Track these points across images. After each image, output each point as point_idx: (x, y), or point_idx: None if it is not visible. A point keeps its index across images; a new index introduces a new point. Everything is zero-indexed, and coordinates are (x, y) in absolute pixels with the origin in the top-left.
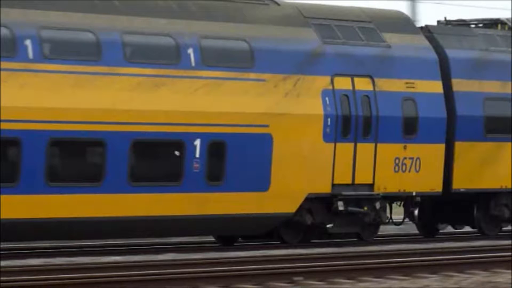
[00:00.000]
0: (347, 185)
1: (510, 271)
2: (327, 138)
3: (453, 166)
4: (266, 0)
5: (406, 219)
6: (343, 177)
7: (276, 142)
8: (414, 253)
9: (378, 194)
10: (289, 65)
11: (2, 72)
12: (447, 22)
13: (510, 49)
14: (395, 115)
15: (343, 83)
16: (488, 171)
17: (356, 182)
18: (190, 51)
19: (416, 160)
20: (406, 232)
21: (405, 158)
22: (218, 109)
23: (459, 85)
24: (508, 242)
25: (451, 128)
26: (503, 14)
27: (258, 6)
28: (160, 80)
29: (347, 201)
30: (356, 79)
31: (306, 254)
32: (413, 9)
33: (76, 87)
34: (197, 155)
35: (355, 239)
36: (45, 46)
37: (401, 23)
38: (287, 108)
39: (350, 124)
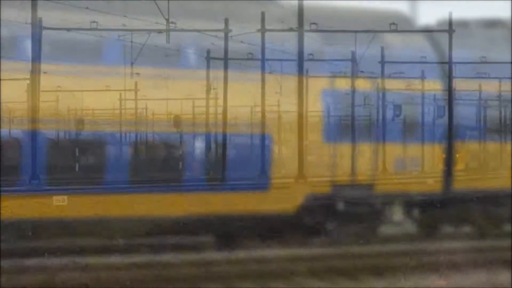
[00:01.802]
0: (347, 185)
1: (510, 271)
2: (327, 138)
3: (453, 166)
4: (266, 0)
5: (406, 219)
6: (343, 177)
7: (276, 142)
8: (414, 253)
9: (378, 194)
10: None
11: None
12: (447, 22)
13: (510, 49)
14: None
15: (343, 83)
16: (488, 171)
17: (356, 182)
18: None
19: (416, 160)
20: (406, 232)
21: (405, 158)
22: (218, 109)
23: (459, 85)
24: (508, 242)
25: (451, 128)
26: (503, 14)
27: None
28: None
29: (347, 201)
30: (356, 79)
31: (306, 254)
32: (413, 9)
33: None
34: (197, 155)
35: (355, 239)
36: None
37: (401, 23)
38: (287, 108)
39: (350, 124)
